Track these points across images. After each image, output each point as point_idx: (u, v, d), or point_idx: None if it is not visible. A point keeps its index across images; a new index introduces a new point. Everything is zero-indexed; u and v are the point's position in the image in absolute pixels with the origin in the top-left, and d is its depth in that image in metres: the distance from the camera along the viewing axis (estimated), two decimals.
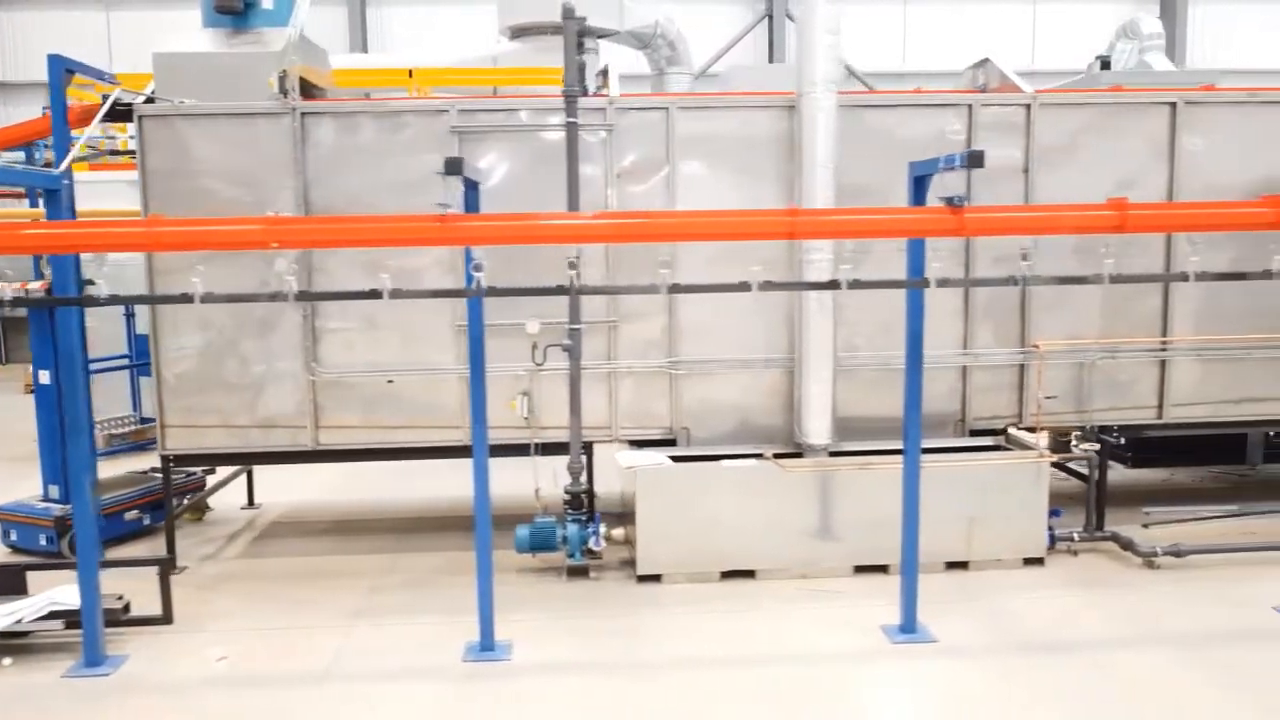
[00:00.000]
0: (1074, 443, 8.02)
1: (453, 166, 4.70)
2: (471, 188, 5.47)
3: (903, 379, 7.80)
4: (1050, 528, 7.40)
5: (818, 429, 7.28)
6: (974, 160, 5.11)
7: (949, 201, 5.25)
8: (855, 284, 5.60)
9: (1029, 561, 7.27)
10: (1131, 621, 6.34)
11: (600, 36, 13.02)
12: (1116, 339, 7.71)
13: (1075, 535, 7.51)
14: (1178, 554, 7.19)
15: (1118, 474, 10.36)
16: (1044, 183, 7.50)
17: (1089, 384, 7.73)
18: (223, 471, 8.92)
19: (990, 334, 7.70)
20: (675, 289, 5.61)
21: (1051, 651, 5.90)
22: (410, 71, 12.07)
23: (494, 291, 5.45)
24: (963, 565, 7.23)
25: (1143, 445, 10.25)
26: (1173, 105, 7.54)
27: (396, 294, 5.13)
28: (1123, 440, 10.48)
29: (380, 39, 20.52)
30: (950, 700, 5.41)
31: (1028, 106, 7.45)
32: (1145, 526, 8.23)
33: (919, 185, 5.82)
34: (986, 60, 8.11)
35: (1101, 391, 7.78)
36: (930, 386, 7.70)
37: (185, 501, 8.60)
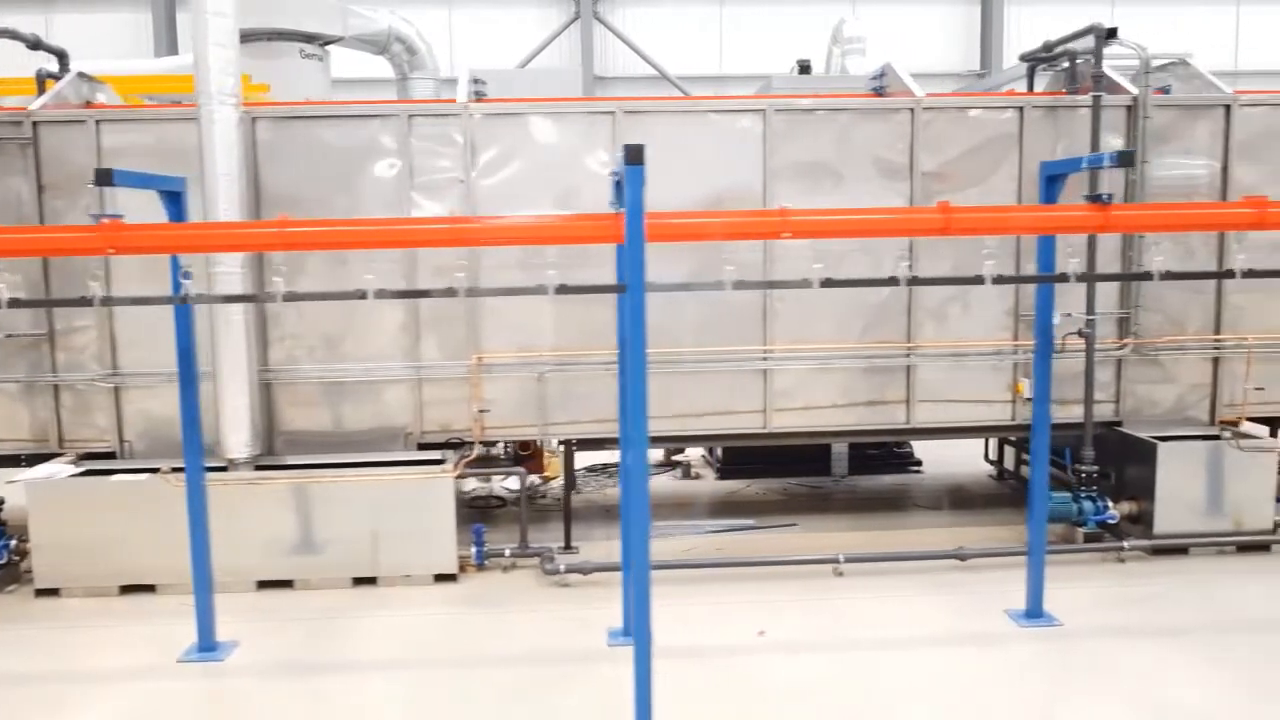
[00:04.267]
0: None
1: None
2: None
3: (349, 393, 7.78)
4: (479, 544, 7.32)
5: (236, 443, 7.21)
6: None
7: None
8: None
9: (441, 578, 7.17)
10: (443, 644, 6.20)
11: (326, 43, 13.04)
12: (570, 351, 7.59)
13: (507, 551, 7.43)
14: (583, 571, 7.08)
15: (707, 484, 10.29)
16: (486, 193, 7.41)
17: (545, 396, 7.62)
18: None
19: (439, 346, 7.60)
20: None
21: (321, 672, 5.84)
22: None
23: None
24: (372, 581, 7.15)
25: (735, 456, 10.17)
26: (612, 114, 7.42)
27: None
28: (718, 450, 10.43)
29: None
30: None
31: (459, 116, 7.36)
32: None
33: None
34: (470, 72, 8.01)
35: (562, 404, 7.66)
36: (379, 399, 7.68)
37: None
